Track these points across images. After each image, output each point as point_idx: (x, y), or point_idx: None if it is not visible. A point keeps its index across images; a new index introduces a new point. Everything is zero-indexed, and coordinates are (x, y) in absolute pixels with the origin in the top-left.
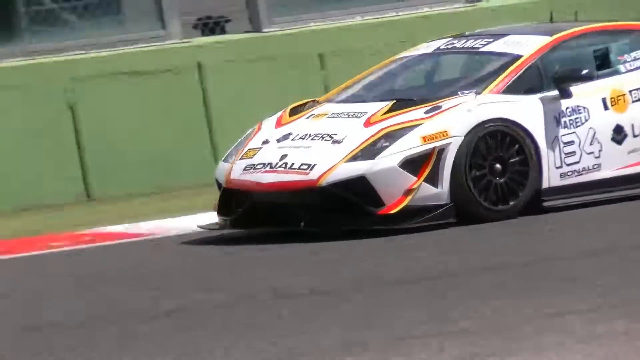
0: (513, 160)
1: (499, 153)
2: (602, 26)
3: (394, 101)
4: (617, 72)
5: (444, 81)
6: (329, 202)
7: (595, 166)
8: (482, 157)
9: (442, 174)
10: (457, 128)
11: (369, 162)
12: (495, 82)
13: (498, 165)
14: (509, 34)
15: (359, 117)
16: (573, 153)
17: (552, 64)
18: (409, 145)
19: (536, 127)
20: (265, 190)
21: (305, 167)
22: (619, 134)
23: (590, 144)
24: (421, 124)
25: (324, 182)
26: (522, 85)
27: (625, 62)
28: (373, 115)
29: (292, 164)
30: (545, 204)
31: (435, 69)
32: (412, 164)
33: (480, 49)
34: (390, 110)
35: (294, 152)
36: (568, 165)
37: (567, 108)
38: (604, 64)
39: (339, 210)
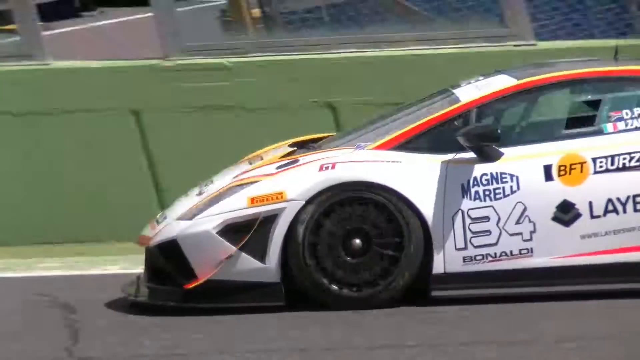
0: (379, 235)
1: (359, 225)
2: (615, 70)
3: (295, 148)
4: (597, 133)
5: (366, 128)
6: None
7: (524, 251)
8: (331, 228)
9: (270, 246)
10: (298, 190)
11: (187, 222)
12: (396, 134)
13: (357, 241)
14: (503, 74)
15: (253, 163)
16: (487, 232)
17: (498, 116)
18: (235, 206)
19: (424, 195)
20: (140, 244)
21: (162, 220)
22: (566, 212)
23: (517, 223)
24: (257, 182)
25: (152, 242)
26: (433, 141)
27: (620, 119)
28: (260, 162)
29: (164, 216)
30: (435, 293)
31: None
32: (236, 231)
33: (452, 90)
34: (281, 157)
35: (179, 202)
36: (477, 247)
37: (484, 175)
38: (577, 120)
39: (156, 279)
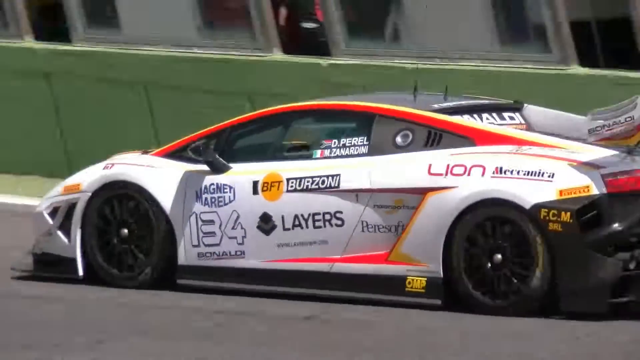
0: (136, 227)
1: (123, 218)
2: (342, 104)
3: None
4: (307, 157)
5: None
6: None
7: (239, 253)
8: (106, 218)
9: (72, 228)
10: (88, 184)
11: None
12: (170, 144)
13: (125, 230)
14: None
15: None
16: (213, 234)
17: (248, 136)
18: (56, 192)
19: (170, 198)
20: None
21: None
22: (266, 223)
23: (233, 228)
24: (76, 174)
25: None
26: (194, 152)
27: (328, 147)
28: None
29: None
30: (179, 281)
31: None
32: (56, 212)
33: None
34: None
35: None
36: (206, 245)
37: (212, 184)
38: (299, 144)
39: None
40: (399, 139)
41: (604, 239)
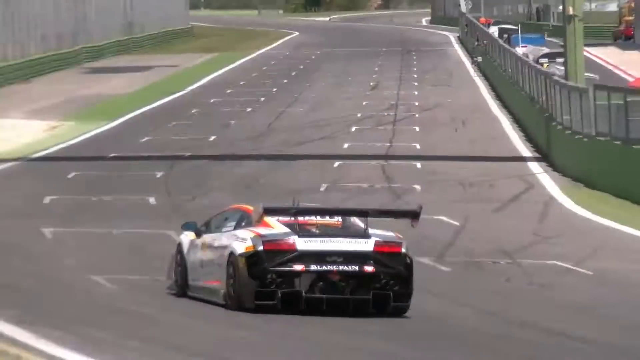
0: (180, 267)
1: (178, 261)
2: (241, 207)
3: None
4: (219, 231)
5: None
6: None
7: (197, 278)
8: (177, 262)
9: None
10: (176, 244)
11: None
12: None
13: (179, 268)
14: None
15: None
16: (194, 269)
17: (214, 220)
18: None
19: (186, 250)
20: None
21: None
22: (201, 263)
23: (197, 266)
24: None
25: None
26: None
27: (228, 226)
28: None
29: None
30: (188, 293)
31: None
32: None
33: None
34: None
35: None
36: (192, 275)
37: (195, 244)
38: (218, 225)
39: None
40: (243, 222)
41: (257, 271)
